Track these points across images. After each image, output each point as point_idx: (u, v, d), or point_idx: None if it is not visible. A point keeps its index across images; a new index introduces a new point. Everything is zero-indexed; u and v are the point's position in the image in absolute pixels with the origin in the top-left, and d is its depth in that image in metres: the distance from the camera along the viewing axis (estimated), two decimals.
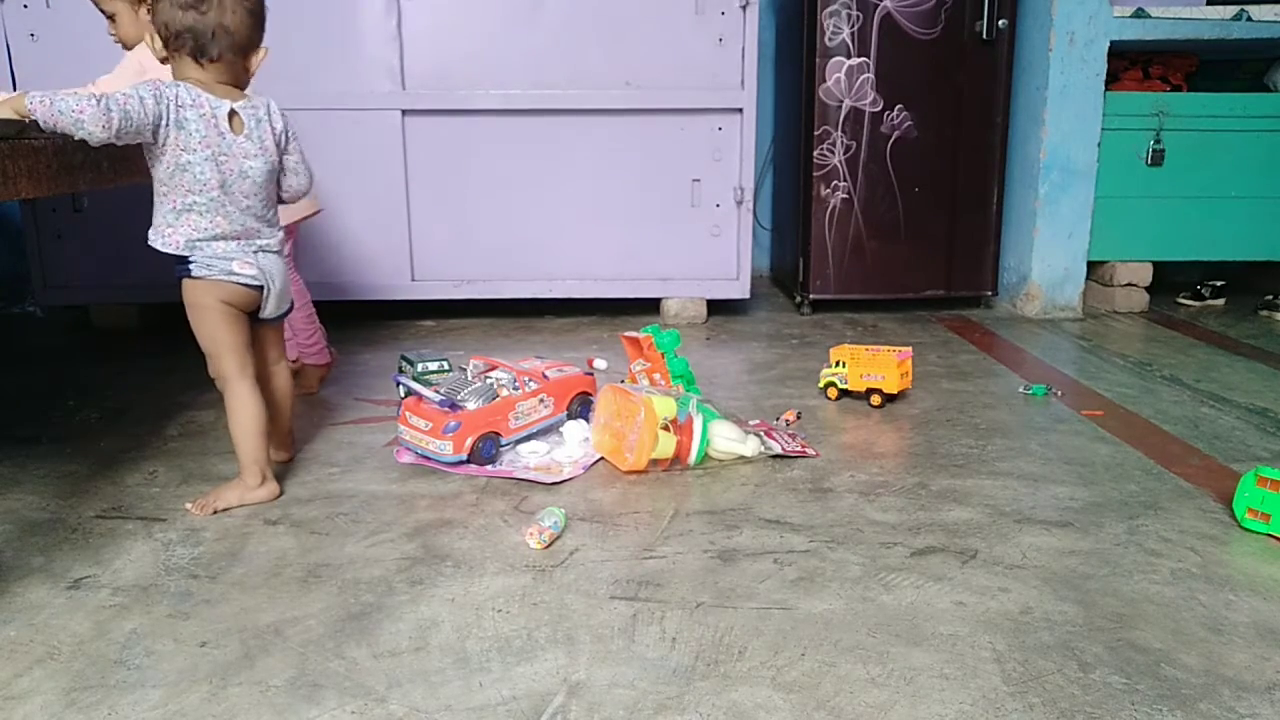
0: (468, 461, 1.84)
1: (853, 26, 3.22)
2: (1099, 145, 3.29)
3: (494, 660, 1.20)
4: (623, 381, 2.10)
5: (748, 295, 3.34)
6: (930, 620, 1.30)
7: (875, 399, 2.29)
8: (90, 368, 2.70)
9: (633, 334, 2.22)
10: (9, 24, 2.90)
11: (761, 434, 1.96)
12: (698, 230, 3.27)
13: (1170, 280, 3.63)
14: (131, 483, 1.81)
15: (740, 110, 3.16)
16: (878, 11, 3.21)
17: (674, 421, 1.85)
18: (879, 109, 3.29)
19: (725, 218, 3.26)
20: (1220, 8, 3.26)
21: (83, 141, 1.56)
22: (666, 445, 1.82)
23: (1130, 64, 3.42)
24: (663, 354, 2.16)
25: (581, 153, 3.19)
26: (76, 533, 1.58)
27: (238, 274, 1.65)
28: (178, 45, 1.59)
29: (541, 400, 2.00)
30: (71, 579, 1.42)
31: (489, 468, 1.85)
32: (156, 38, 1.62)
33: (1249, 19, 3.24)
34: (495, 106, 3.10)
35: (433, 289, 3.24)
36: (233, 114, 1.61)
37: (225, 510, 1.66)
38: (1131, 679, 1.16)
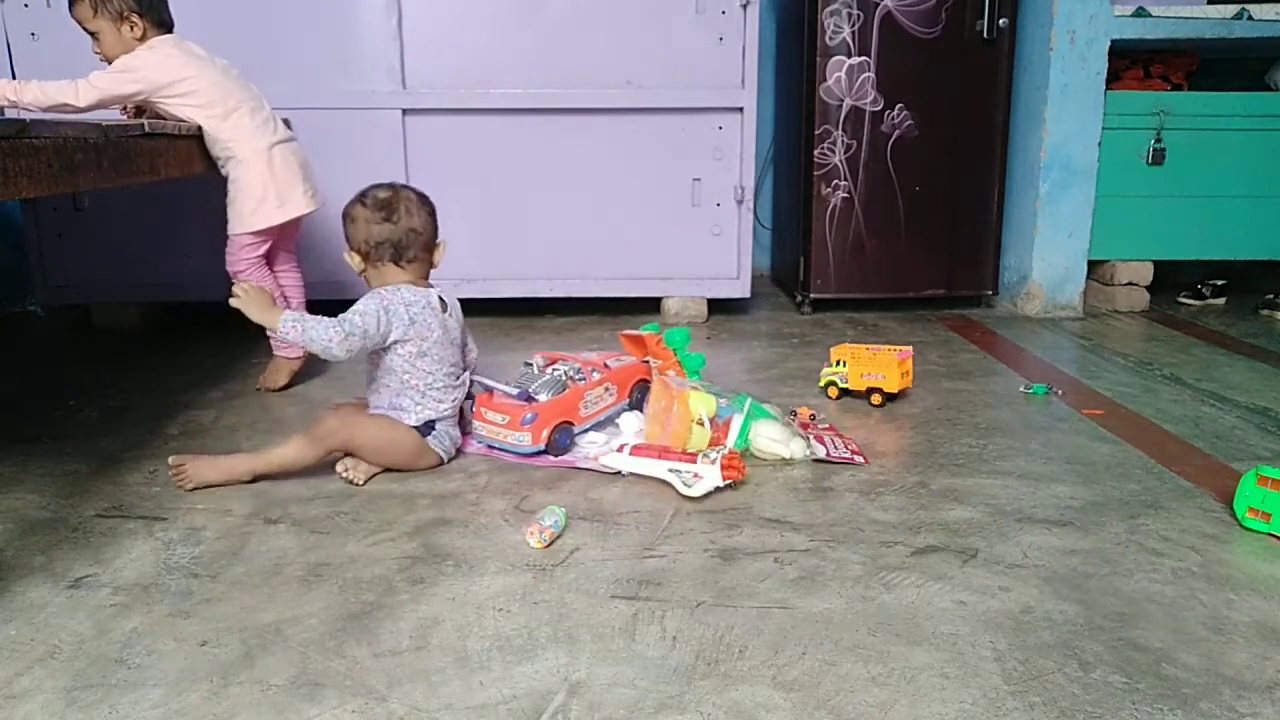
0: (545, 452, 1.89)
1: (853, 25, 3.22)
2: (1099, 144, 3.29)
3: (494, 659, 1.20)
4: None
5: (748, 294, 3.34)
6: (931, 619, 1.30)
7: (876, 398, 2.29)
8: (90, 367, 2.70)
9: (632, 332, 2.22)
10: (9, 23, 2.90)
11: (810, 437, 1.96)
12: (698, 229, 3.27)
13: (1171, 279, 3.62)
14: (132, 482, 1.80)
15: (741, 109, 3.15)
16: (878, 10, 3.20)
17: (712, 420, 1.87)
18: (879, 108, 3.29)
19: (726, 217, 3.26)
20: (1221, 7, 3.26)
21: (83, 140, 1.57)
22: (700, 439, 1.83)
23: (1131, 63, 3.42)
24: (674, 350, 2.18)
25: (582, 152, 3.18)
26: (77, 532, 1.58)
27: (450, 451, 1.87)
28: (379, 254, 1.82)
29: (607, 389, 2.06)
30: (72, 578, 1.42)
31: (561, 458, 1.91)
32: (354, 254, 1.83)
33: (1250, 18, 3.24)
34: (496, 106, 3.10)
35: None
36: (441, 299, 1.85)
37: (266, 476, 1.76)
38: (1132, 678, 1.16)
